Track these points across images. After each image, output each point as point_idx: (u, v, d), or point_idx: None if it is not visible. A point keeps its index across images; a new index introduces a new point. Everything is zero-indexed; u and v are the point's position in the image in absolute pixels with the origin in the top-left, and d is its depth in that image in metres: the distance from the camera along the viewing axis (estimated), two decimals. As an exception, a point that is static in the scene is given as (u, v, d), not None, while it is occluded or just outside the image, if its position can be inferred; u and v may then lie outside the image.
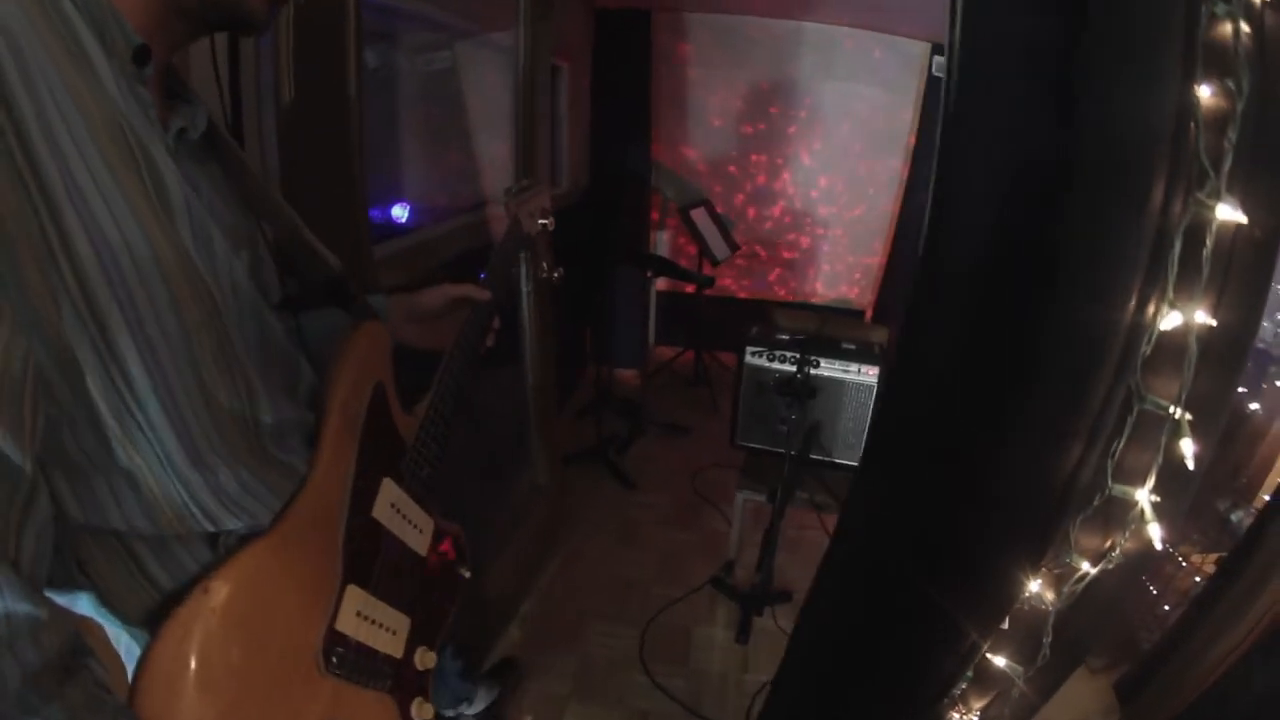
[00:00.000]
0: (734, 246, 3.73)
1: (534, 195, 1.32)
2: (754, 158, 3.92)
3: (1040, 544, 0.96)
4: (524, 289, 2.38)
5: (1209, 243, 0.77)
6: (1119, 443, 0.89)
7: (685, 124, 3.84)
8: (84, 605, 0.61)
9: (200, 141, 0.68)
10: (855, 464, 2.38)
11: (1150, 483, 0.89)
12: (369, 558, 0.77)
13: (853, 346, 2.42)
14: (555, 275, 1.77)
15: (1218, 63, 0.73)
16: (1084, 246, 0.79)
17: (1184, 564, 1.72)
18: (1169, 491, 0.88)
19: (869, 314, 4.18)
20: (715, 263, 3.59)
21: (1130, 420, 0.88)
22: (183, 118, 0.63)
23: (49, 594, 0.48)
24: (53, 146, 0.48)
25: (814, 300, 4.24)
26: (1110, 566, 0.94)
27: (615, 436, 3.34)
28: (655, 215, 4.02)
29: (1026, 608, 1.03)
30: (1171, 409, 0.84)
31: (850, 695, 1.17)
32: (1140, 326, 0.82)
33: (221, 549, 0.64)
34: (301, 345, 0.78)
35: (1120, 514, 0.92)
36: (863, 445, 2.37)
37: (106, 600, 0.61)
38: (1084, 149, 0.77)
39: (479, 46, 2.41)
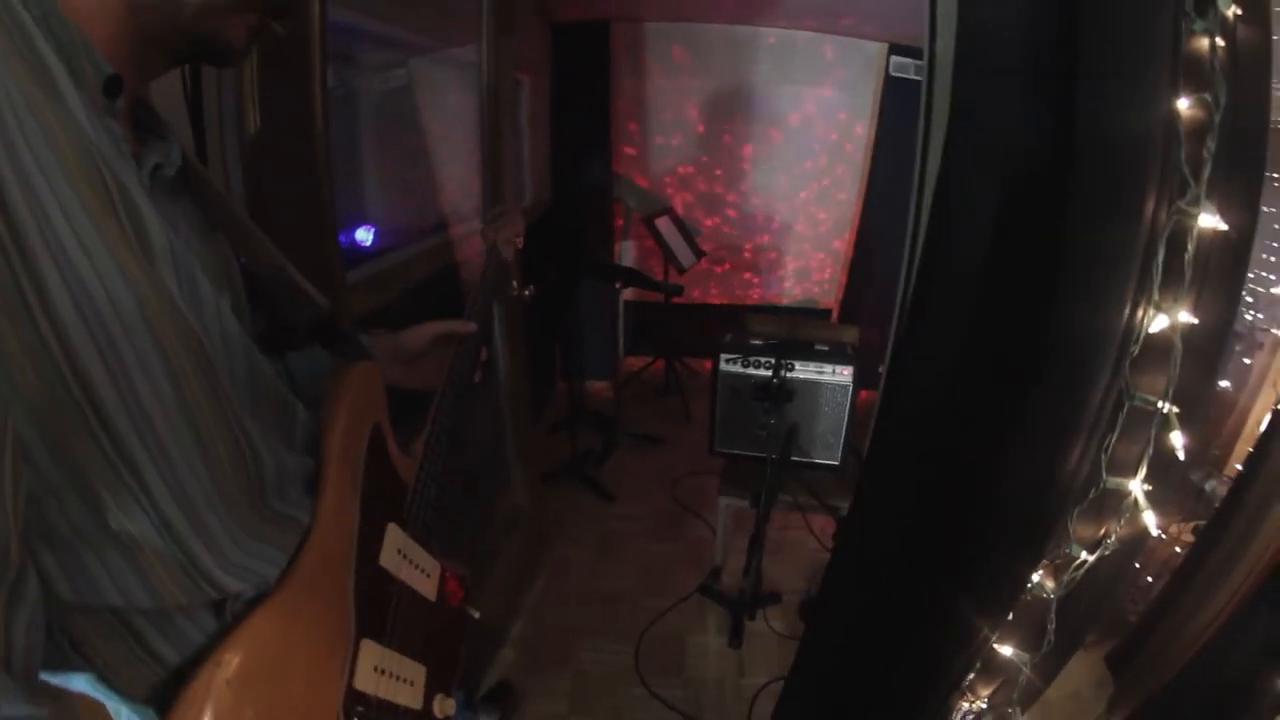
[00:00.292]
0: (700, 253, 3.77)
1: (509, 221, 1.31)
2: (715, 163, 3.97)
3: (1042, 537, 1.00)
4: (495, 310, 2.36)
5: (1190, 248, 0.82)
6: (1111, 438, 0.94)
7: (646, 133, 3.87)
8: (80, 683, 0.57)
9: (176, 177, 0.64)
10: (835, 463, 2.43)
11: (1142, 473, 0.94)
12: (381, 609, 0.74)
13: (825, 348, 2.47)
14: (525, 293, 1.76)
15: (1195, 76, 0.78)
16: (1083, 254, 0.84)
17: (1163, 535, 1.81)
18: (1159, 480, 0.94)
19: (835, 312, 4.27)
20: (682, 270, 3.62)
21: (1121, 416, 0.93)
22: (157, 153, 0.59)
23: (43, 675, 0.45)
24: (25, 188, 0.43)
25: (781, 302, 4.31)
26: (1106, 553, 0.99)
27: (590, 450, 3.33)
28: (619, 226, 4.03)
29: (1029, 597, 1.07)
30: (1160, 404, 0.89)
31: (864, 696, 1.20)
32: (1131, 329, 0.87)
33: (229, 615, 0.60)
34: (293, 388, 0.74)
35: (1115, 504, 0.97)
36: (840, 445, 2.42)
37: (105, 678, 0.57)
38: (1080, 160, 0.81)
39: (436, 63, 2.38)
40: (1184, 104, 0.80)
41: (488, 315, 1.11)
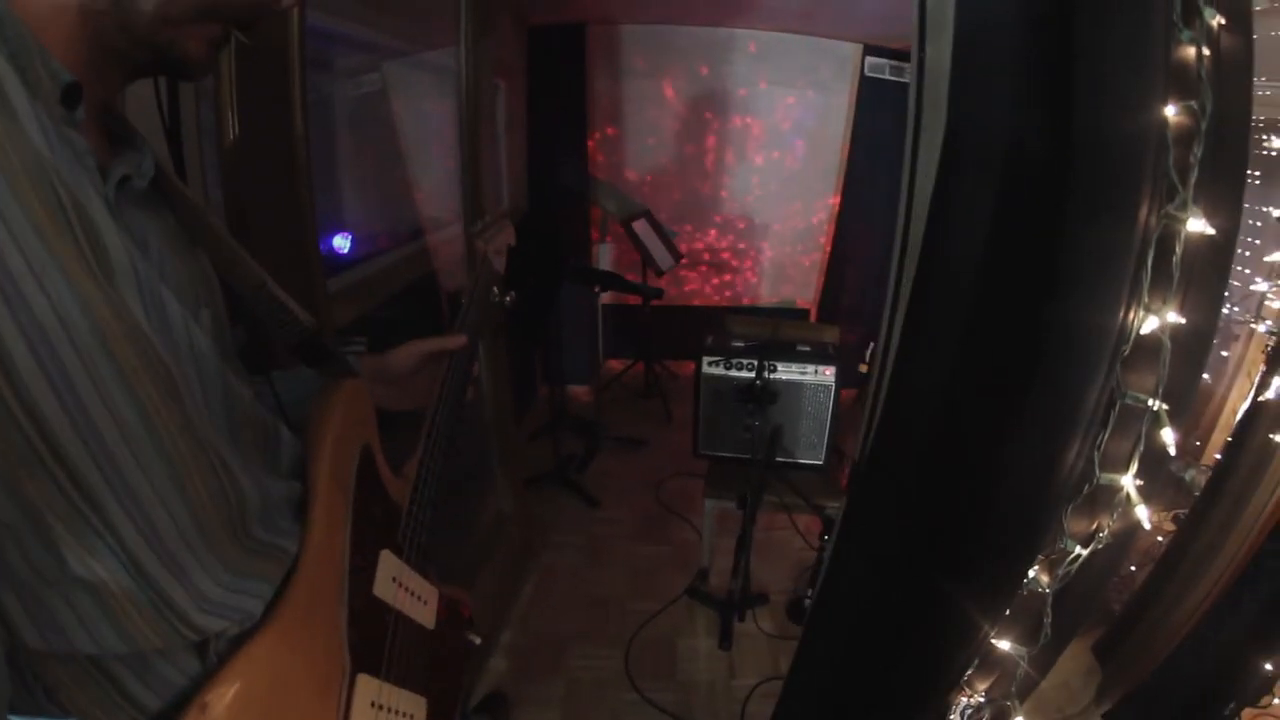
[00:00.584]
0: (678, 256, 3.78)
1: (500, 232, 1.28)
2: (692, 165, 3.99)
3: (1038, 533, 1.03)
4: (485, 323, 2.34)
5: (1178, 251, 0.85)
6: (1104, 435, 0.97)
7: (622, 136, 3.87)
8: None
9: (149, 189, 0.61)
10: (819, 463, 2.45)
11: (1134, 469, 0.96)
12: (376, 641, 0.71)
13: (807, 348, 2.49)
14: (507, 299, 1.74)
15: (1182, 84, 0.81)
16: (1077, 257, 0.86)
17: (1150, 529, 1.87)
18: (1150, 475, 0.96)
19: (814, 312, 4.31)
20: (660, 273, 3.63)
21: (1113, 414, 0.95)
22: (126, 164, 0.56)
23: None
24: None
25: (759, 303, 4.34)
26: (1100, 547, 1.02)
27: (573, 455, 3.32)
28: (596, 230, 4.02)
29: (1025, 592, 1.10)
30: (1150, 402, 0.92)
31: (864, 693, 1.21)
32: (1123, 330, 0.90)
33: (213, 656, 0.57)
34: (278, 411, 0.71)
35: (1107, 499, 1.00)
36: (824, 444, 2.45)
37: None
38: (1075, 166, 0.83)
39: (411, 67, 2.35)
40: (1172, 111, 0.83)
41: (479, 328, 1.07)
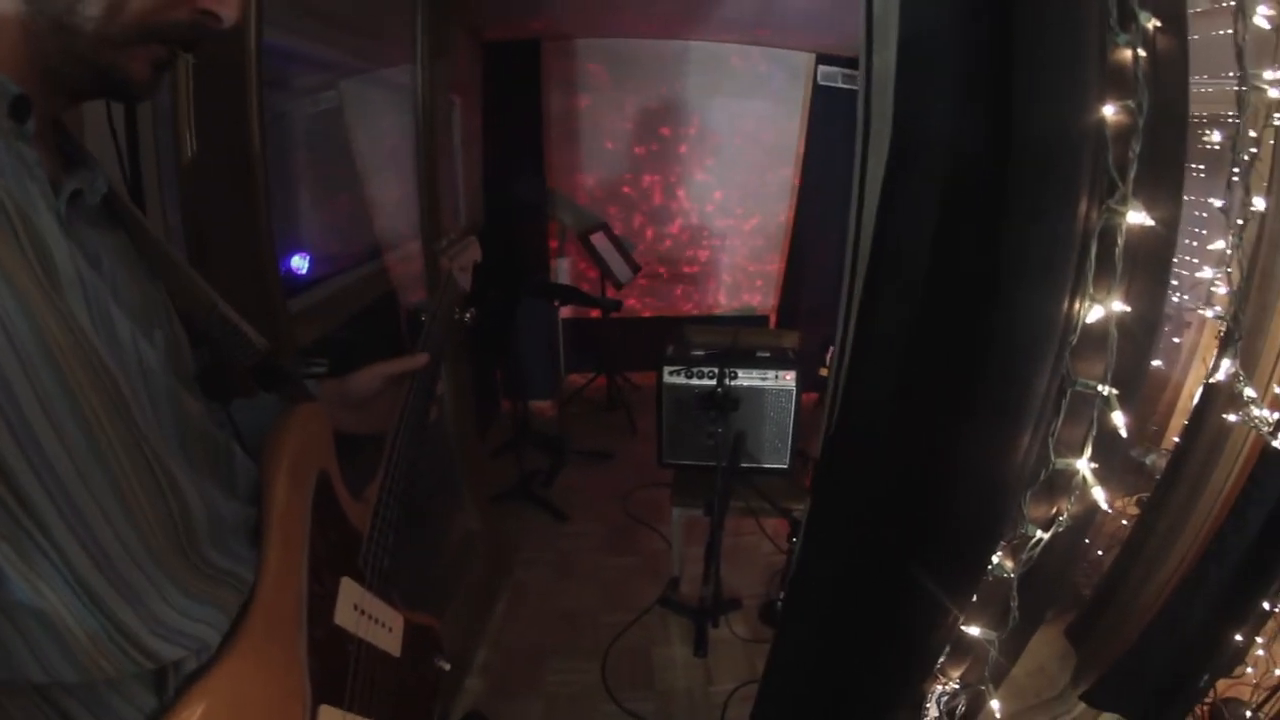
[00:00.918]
0: (636, 268, 3.81)
1: (466, 249, 1.27)
2: (648, 178, 4.03)
3: (999, 520, 1.07)
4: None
5: (1120, 243, 0.90)
6: (1057, 421, 1.01)
7: (579, 150, 3.89)
8: None
9: (101, 208, 0.60)
10: (783, 466, 2.48)
11: (1088, 452, 1.01)
12: (339, 671, 0.68)
13: (767, 354, 2.53)
14: (467, 316, 1.73)
15: (1119, 84, 0.86)
16: (1021, 252, 0.90)
17: (1109, 510, 1.94)
18: (1105, 457, 1.01)
19: (773, 319, 4.39)
20: (619, 286, 3.65)
21: (1065, 401, 1.00)
22: (78, 180, 0.56)
23: None
24: None
25: (718, 312, 4.39)
26: (1060, 530, 1.06)
27: (538, 471, 3.30)
28: (554, 244, 4.03)
29: (990, 578, 1.13)
30: (1100, 387, 0.97)
31: (840, 689, 1.23)
32: (1070, 319, 0.94)
33: (170, 691, 0.54)
34: (236, 437, 0.70)
35: (1064, 483, 1.04)
36: (788, 448, 2.48)
37: None
38: (1016, 165, 0.88)
39: (368, 85, 2.33)
40: (1110, 110, 0.88)
41: (442, 347, 1.05)
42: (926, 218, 0.98)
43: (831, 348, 1.28)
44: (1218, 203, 1.29)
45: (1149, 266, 0.95)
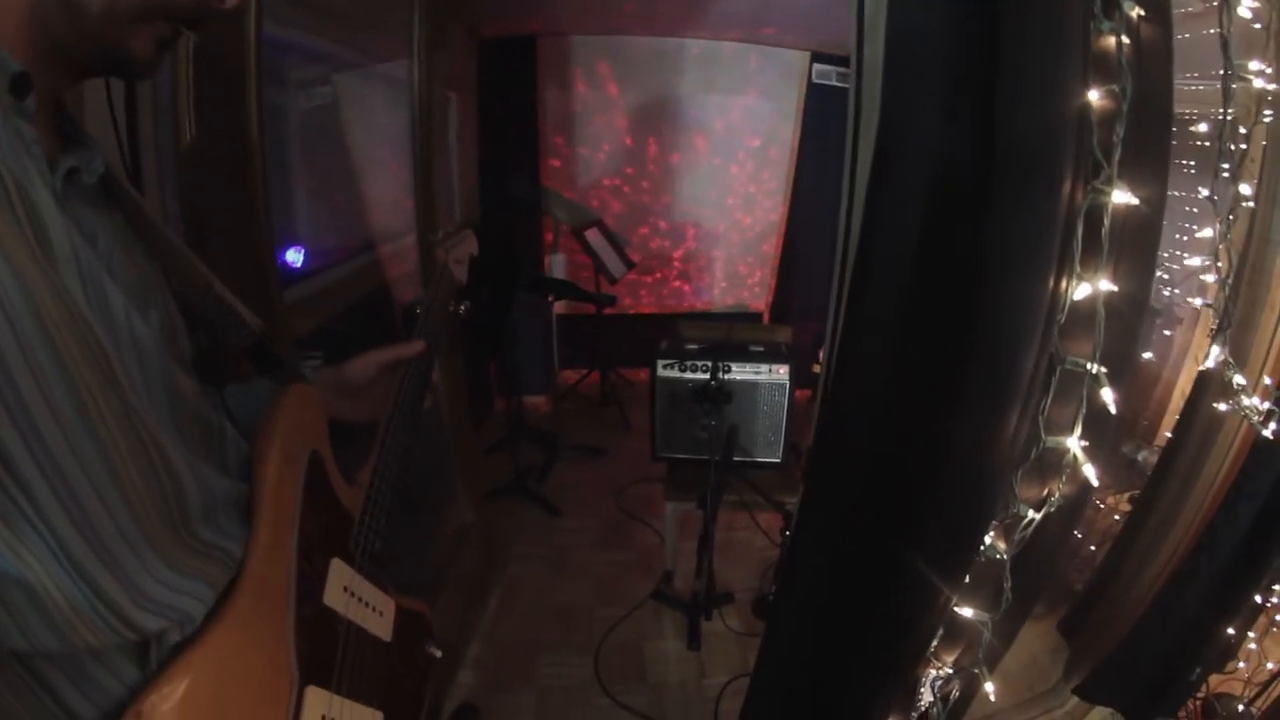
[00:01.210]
0: (630, 264, 3.81)
1: (462, 242, 1.28)
2: (643, 174, 4.03)
3: (991, 499, 1.07)
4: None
5: (1106, 222, 0.91)
6: (1046, 400, 1.02)
7: (574, 146, 3.89)
8: None
9: (98, 188, 0.61)
10: (776, 460, 2.49)
11: (1078, 430, 1.02)
12: (327, 652, 0.68)
13: (760, 348, 2.54)
14: (461, 309, 1.73)
15: (1104, 71, 0.88)
16: (1008, 233, 0.91)
17: (1102, 506, 1.96)
18: (1095, 436, 1.02)
19: (766, 316, 4.40)
20: (613, 281, 3.65)
21: (1054, 380, 1.01)
22: (75, 158, 0.56)
23: None
24: None
25: (712, 308, 4.40)
26: (1052, 510, 1.07)
27: (532, 466, 3.30)
28: (549, 239, 4.03)
29: (983, 559, 1.14)
30: (1089, 365, 0.98)
31: (833, 677, 1.24)
32: (1057, 298, 0.96)
33: (153, 664, 0.54)
34: (230, 419, 0.70)
35: (1055, 461, 1.05)
36: (781, 442, 2.49)
37: None
38: (1002, 148, 0.89)
39: (363, 79, 2.34)
40: (1095, 95, 0.90)
41: (437, 336, 1.06)
42: (916, 199, 0.99)
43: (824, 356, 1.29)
44: (1204, 191, 1.31)
45: (1136, 246, 0.97)
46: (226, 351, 0.81)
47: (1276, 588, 1.61)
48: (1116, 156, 0.89)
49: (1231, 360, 1.37)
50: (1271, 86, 1.31)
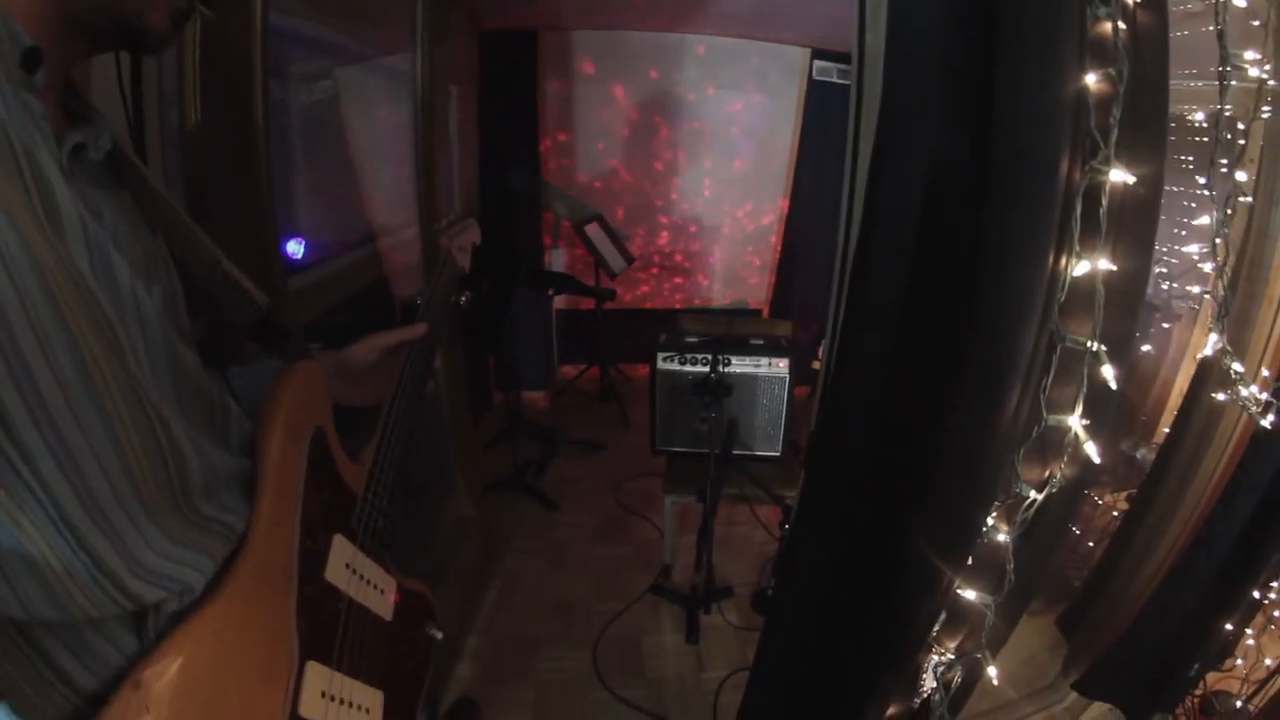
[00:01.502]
0: (630, 259, 3.81)
1: (466, 230, 1.28)
2: (643, 169, 4.03)
3: (993, 478, 1.08)
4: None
5: (1104, 201, 0.92)
6: (1047, 379, 1.03)
7: (574, 141, 3.89)
8: None
9: (105, 164, 0.61)
10: (776, 454, 2.49)
11: (1079, 408, 1.03)
12: (328, 628, 0.68)
13: (760, 341, 2.53)
14: (462, 299, 1.74)
15: (1100, 54, 0.89)
16: (1008, 213, 0.92)
17: (1100, 502, 1.96)
18: (1095, 415, 1.03)
19: (766, 312, 4.40)
20: (613, 276, 3.65)
21: (1055, 358, 1.01)
22: (82, 134, 0.57)
23: None
24: None
25: (711, 304, 4.40)
26: (1054, 490, 1.07)
27: (531, 461, 3.29)
28: (548, 234, 4.03)
29: (985, 541, 1.14)
30: (1089, 343, 0.98)
31: (835, 663, 1.23)
32: (1056, 277, 0.96)
33: (151, 633, 0.54)
34: (233, 397, 0.71)
35: (1057, 440, 1.06)
36: (780, 436, 2.49)
37: (15, 709, 0.51)
38: (1001, 130, 0.89)
39: (366, 72, 2.34)
40: (1092, 79, 0.90)
41: (440, 321, 1.06)
42: (916, 181, 0.99)
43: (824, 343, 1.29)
44: (1203, 179, 1.31)
45: (1134, 226, 0.97)
46: (230, 333, 0.81)
47: (1275, 584, 1.61)
48: (1113, 137, 0.90)
49: (1229, 348, 1.38)
50: (1271, 82, 1.32)
